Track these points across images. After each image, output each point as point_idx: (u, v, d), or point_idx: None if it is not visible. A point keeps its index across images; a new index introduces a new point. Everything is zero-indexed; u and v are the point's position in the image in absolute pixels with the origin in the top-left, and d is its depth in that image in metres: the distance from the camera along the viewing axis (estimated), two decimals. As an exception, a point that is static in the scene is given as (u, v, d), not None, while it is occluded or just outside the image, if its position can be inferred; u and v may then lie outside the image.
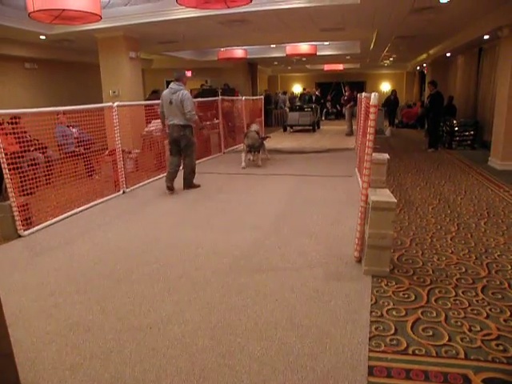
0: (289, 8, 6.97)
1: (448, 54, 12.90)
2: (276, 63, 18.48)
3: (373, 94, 3.32)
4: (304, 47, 11.98)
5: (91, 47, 9.27)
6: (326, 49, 13.89)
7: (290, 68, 21.19)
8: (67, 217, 5.35)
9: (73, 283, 3.43)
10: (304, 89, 21.70)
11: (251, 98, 14.47)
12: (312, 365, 2.27)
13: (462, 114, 12.27)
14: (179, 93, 5.96)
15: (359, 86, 20.32)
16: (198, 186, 6.62)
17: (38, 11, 5.06)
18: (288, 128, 15.43)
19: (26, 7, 5.18)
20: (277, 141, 12.50)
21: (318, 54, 12.48)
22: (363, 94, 7.81)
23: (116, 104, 6.48)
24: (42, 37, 8.52)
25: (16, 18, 7.13)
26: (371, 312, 2.79)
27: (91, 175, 6.95)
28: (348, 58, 15.91)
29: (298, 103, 17.01)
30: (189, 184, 6.53)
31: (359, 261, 3.54)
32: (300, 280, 3.29)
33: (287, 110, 17.01)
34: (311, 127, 14.95)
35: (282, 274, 3.41)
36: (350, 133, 13.24)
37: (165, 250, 4.09)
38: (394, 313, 2.80)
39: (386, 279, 3.27)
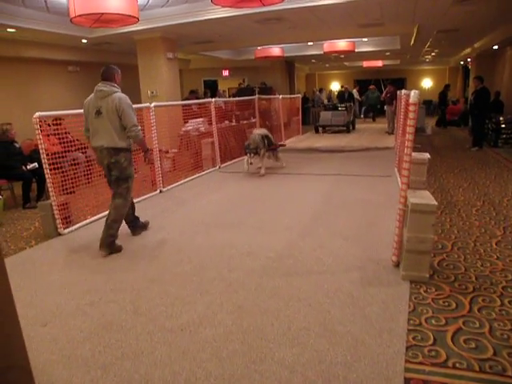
0: (325, 4, 6.83)
1: (495, 47, 12.31)
2: (313, 61, 18.27)
3: (412, 92, 3.18)
4: (342, 44, 11.78)
5: (130, 49, 9.47)
6: (365, 45, 13.60)
7: (327, 66, 20.92)
8: (104, 216, 5.43)
9: (107, 282, 3.48)
10: (342, 86, 21.33)
11: (288, 96, 14.39)
12: (345, 374, 2.19)
13: (509, 110, 11.69)
14: (112, 98, 3.92)
15: (399, 83, 19.70)
16: (119, 248, 4.18)
17: (78, 16, 5.19)
18: (320, 129, 14.22)
19: (68, 13, 5.33)
20: (314, 139, 12.37)
21: (356, 50, 12.24)
22: (403, 91, 7.56)
23: (153, 104, 6.56)
24: (84, 40, 8.78)
25: (60, 24, 7.37)
26: (409, 320, 2.66)
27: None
28: (388, 54, 15.52)
29: (326, 101, 16.20)
30: (107, 242, 4.08)
31: (397, 265, 3.41)
32: (335, 284, 3.19)
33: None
34: (345, 128, 13.75)
35: (317, 278, 3.33)
36: (392, 131, 12.78)
37: (199, 249, 4.09)
38: (433, 321, 2.66)
39: (425, 285, 3.13)
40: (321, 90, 20.36)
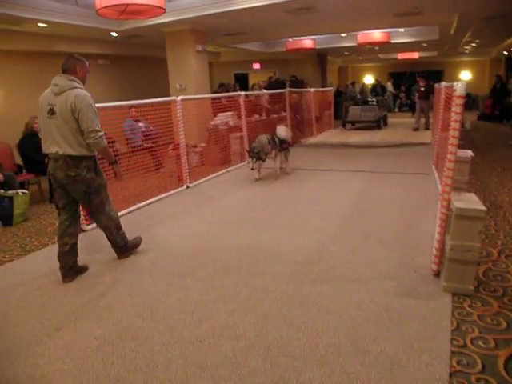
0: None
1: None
2: (346, 53, 17.75)
3: (460, 84, 2.85)
4: (376, 35, 11.30)
5: (159, 42, 9.35)
6: (401, 36, 13.02)
7: (361, 58, 20.31)
8: (129, 212, 5.35)
9: (126, 285, 3.34)
10: (376, 80, 20.67)
11: (320, 89, 14.02)
12: (380, 405, 1.93)
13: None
14: (68, 95, 3.18)
15: (436, 76, 18.88)
16: (136, 245, 3.97)
17: (104, 8, 5.07)
18: (348, 125, 13.40)
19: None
20: (347, 134, 12.00)
21: (391, 41, 11.71)
22: (442, 83, 7.11)
23: (180, 98, 6.40)
24: (114, 34, 8.72)
25: (89, 17, 7.31)
26: (452, 340, 2.37)
27: (158, 169, 6.98)
28: (424, 45, 14.85)
29: (358, 95, 15.41)
30: (122, 249, 3.83)
31: (437, 275, 3.10)
32: (368, 294, 2.92)
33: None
34: (375, 124, 12.74)
35: (349, 286, 3.06)
36: (419, 128, 11.89)
37: (223, 251, 3.89)
38: (480, 343, 2.36)
39: (469, 299, 2.81)
40: (353, 84, 19.78)
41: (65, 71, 3.31)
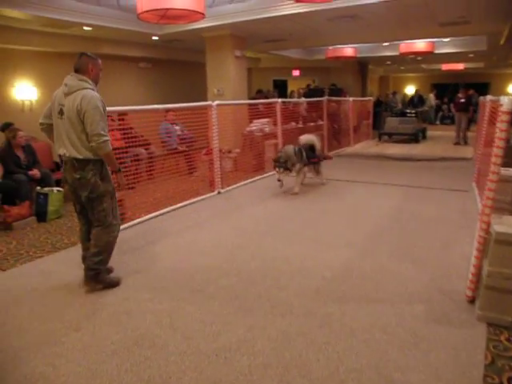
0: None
1: None
2: (388, 63, 17.37)
3: (507, 99, 2.67)
4: (420, 45, 10.98)
5: (199, 46, 9.44)
6: (445, 46, 12.58)
7: (403, 68, 19.83)
8: (160, 214, 5.37)
9: (149, 289, 3.31)
10: (416, 90, 20.06)
11: (359, 98, 13.78)
12: None
13: None
14: (76, 96, 3.08)
15: (482, 88, 18.22)
16: (116, 283, 3.40)
17: (145, 12, 5.13)
18: (385, 137, 12.79)
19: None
20: (384, 146, 11.71)
21: (435, 52, 11.34)
22: (488, 97, 6.79)
23: (215, 103, 6.40)
24: (155, 37, 8.87)
25: (131, 21, 7.45)
26: (485, 377, 2.19)
27: (191, 173, 7.01)
28: (471, 55, 14.30)
29: (400, 105, 14.66)
30: (92, 275, 3.29)
31: (472, 301, 2.91)
32: (396, 318, 2.76)
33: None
34: (413, 137, 12.14)
35: (375, 308, 2.91)
36: (459, 142, 11.47)
37: (249, 261, 3.82)
38: (517, 382, 2.17)
39: (506, 331, 2.60)
40: (394, 94, 19.33)
41: (76, 70, 3.19)
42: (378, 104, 16.20)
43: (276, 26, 8.30)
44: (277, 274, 3.53)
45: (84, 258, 3.43)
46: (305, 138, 6.66)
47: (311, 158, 6.43)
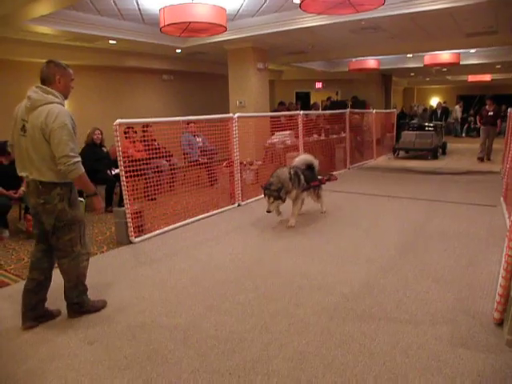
0: (429, 11, 6.14)
1: None
2: (412, 74, 17.18)
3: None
4: (445, 56, 10.77)
5: (221, 59, 9.51)
6: (472, 57, 12.34)
7: (428, 79, 19.57)
8: (179, 226, 5.37)
9: (164, 303, 3.27)
10: (444, 102, 19.65)
11: (383, 111, 13.63)
12: None
13: None
14: (41, 111, 2.70)
15: (510, 100, 17.77)
16: (100, 307, 3.19)
17: (167, 25, 5.19)
18: (399, 152, 12.02)
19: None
20: (408, 158, 11.50)
21: (461, 63, 11.12)
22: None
23: (236, 115, 6.40)
24: (178, 50, 8.98)
25: (155, 34, 7.56)
26: (515, 408, 2.06)
27: (212, 185, 7.00)
28: (498, 67, 14.00)
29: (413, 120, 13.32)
30: (74, 307, 3.06)
31: (500, 324, 2.75)
32: (418, 340, 2.64)
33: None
34: (432, 153, 11.19)
35: (396, 328, 2.79)
36: (483, 158, 10.62)
37: (266, 276, 3.74)
38: (550, 414, 2.02)
39: (538, 358, 2.46)
40: (419, 106, 19.05)
41: (43, 81, 2.81)
42: (401, 116, 15.99)
43: (298, 39, 8.30)
44: (295, 290, 3.45)
45: (24, 292, 2.94)
46: (300, 159, 5.70)
47: (311, 180, 5.42)
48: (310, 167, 5.54)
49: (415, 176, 8.81)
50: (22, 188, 5.34)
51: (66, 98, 2.93)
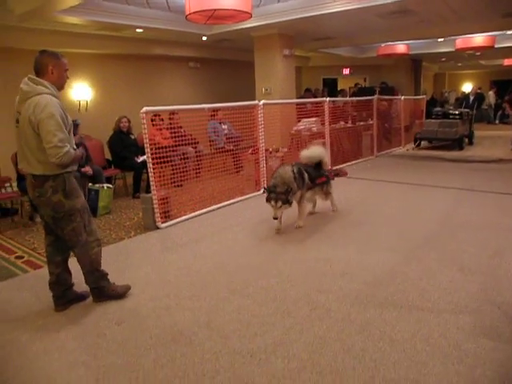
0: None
1: None
2: (444, 59, 16.65)
3: None
4: (478, 39, 10.38)
5: (247, 45, 9.47)
6: (508, 39, 11.81)
7: (460, 64, 18.92)
8: (205, 213, 5.46)
9: (190, 287, 3.37)
10: (479, 88, 18.73)
11: (412, 97, 13.33)
12: None
13: None
14: (31, 102, 2.68)
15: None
16: (122, 293, 3.19)
17: (193, 13, 5.21)
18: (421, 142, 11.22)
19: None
20: (430, 149, 11.24)
21: (496, 46, 10.69)
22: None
23: (262, 102, 6.41)
24: (204, 37, 8.99)
25: (181, 22, 7.58)
26: (536, 397, 2.04)
27: (238, 172, 7.06)
28: (537, 49, 13.40)
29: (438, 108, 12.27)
30: (95, 292, 3.14)
31: (526, 315, 2.72)
32: (439, 328, 2.63)
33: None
34: (457, 143, 10.44)
35: (418, 316, 2.79)
36: None
37: (290, 262, 3.79)
38: None
39: None
40: (450, 93, 18.46)
41: (36, 71, 2.78)
42: (432, 103, 15.57)
43: (324, 24, 8.17)
44: (318, 276, 3.48)
45: (49, 284, 3.06)
46: (308, 153, 5.09)
47: (317, 177, 4.91)
48: (317, 163, 5.03)
49: (443, 164, 8.63)
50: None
51: (60, 88, 2.87)
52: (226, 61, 11.43)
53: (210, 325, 2.78)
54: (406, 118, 11.75)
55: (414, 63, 15.83)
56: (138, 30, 7.97)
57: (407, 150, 10.94)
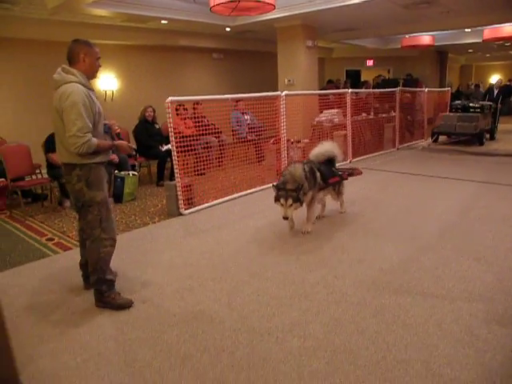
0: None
1: None
2: (471, 50, 16.30)
3: None
4: (508, 29, 10.10)
5: (271, 37, 9.52)
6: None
7: (488, 55, 18.48)
8: (227, 200, 5.61)
9: (212, 270, 3.51)
10: (510, 80, 17.99)
11: (436, 89, 13.14)
12: (442, 433, 1.80)
13: None
14: (59, 91, 2.72)
15: None
16: (121, 304, 2.93)
17: (217, 5, 5.32)
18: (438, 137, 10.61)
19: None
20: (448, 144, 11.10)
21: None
22: None
23: (284, 93, 6.48)
24: (228, 29, 9.09)
25: (205, 13, 7.70)
26: (543, 381, 2.10)
27: (260, 161, 7.17)
28: None
29: (458, 102, 11.41)
30: (96, 293, 2.97)
31: (539, 303, 2.76)
32: (452, 314, 2.70)
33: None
34: (477, 138, 9.89)
35: (432, 302, 2.87)
36: None
37: (308, 249, 3.90)
38: None
39: None
40: (477, 85, 17.98)
41: (68, 60, 2.80)
42: (457, 95, 15.27)
43: (348, 15, 8.16)
44: (335, 262, 3.58)
45: (81, 265, 3.18)
46: (320, 150, 4.69)
47: (330, 177, 4.51)
48: (330, 160, 4.68)
49: (466, 157, 8.54)
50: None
51: (92, 76, 2.89)
52: (249, 52, 11.51)
53: (230, 305, 2.92)
54: (429, 110, 11.62)
55: (440, 55, 15.58)
56: (163, 22, 8.13)
57: (422, 148, 10.06)
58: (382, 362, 2.26)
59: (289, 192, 3.96)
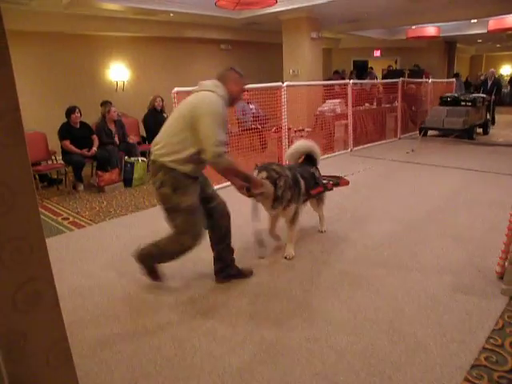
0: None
1: None
2: (480, 41, 16.28)
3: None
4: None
5: (276, 28, 9.76)
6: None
7: (498, 46, 18.41)
8: (230, 185, 5.91)
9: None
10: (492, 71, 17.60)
11: (441, 80, 13.25)
12: (391, 373, 2.13)
13: None
14: (199, 94, 2.75)
15: None
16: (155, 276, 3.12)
17: (221, 0, 5.61)
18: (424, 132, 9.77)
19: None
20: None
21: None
22: None
23: (285, 84, 6.77)
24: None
25: (212, 7, 7.96)
26: (489, 338, 2.39)
27: (264, 150, 7.48)
28: None
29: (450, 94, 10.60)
30: (137, 256, 3.05)
31: (501, 277, 3.05)
32: (422, 284, 3.03)
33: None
34: (466, 134, 9.22)
35: (405, 275, 3.20)
36: None
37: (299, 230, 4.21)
38: (520, 347, 2.36)
39: (526, 305, 2.77)
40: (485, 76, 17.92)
41: (219, 78, 2.88)
42: (466, 86, 15.24)
43: (352, 7, 8.35)
44: (323, 240, 3.92)
45: (214, 260, 3.22)
46: (294, 148, 4.10)
47: (312, 186, 3.80)
48: (309, 158, 4.03)
49: (466, 146, 8.74)
50: (94, 148, 6.15)
51: (230, 103, 2.90)
52: (257, 43, 11.76)
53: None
54: (435, 101, 11.77)
55: (448, 45, 15.60)
56: (172, 14, 8.42)
57: (407, 152, 8.14)
58: (352, 320, 2.61)
59: (270, 172, 3.34)
